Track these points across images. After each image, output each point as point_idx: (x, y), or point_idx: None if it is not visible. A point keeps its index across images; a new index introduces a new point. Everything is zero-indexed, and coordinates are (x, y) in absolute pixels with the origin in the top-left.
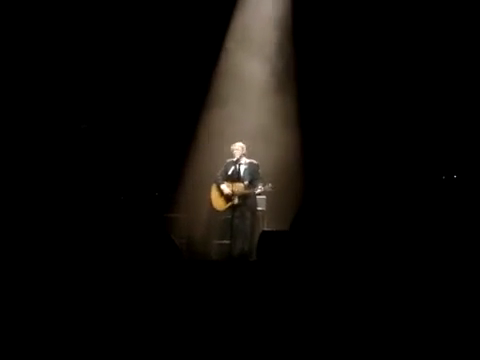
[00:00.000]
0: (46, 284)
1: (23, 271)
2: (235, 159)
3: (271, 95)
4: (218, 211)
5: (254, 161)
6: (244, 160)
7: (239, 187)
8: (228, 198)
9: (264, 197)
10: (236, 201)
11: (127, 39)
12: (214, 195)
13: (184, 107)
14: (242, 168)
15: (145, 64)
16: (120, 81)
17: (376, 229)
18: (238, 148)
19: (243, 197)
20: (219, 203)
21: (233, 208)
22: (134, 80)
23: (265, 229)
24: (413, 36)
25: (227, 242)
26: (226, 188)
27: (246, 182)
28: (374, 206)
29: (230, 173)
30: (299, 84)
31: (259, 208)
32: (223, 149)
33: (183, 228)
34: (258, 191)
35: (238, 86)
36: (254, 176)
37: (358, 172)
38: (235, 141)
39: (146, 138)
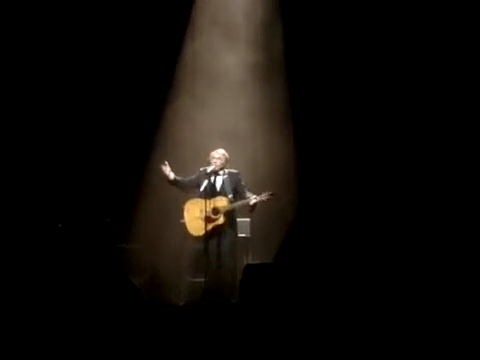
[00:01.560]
0: None
1: None
2: (213, 170)
3: (252, 90)
4: (196, 237)
5: (233, 170)
6: (223, 171)
7: (223, 202)
8: (209, 218)
9: (248, 220)
10: (222, 220)
11: (77, 30)
12: (189, 217)
13: (142, 106)
14: (219, 180)
15: (96, 60)
16: (63, 84)
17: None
18: (221, 157)
19: (228, 216)
20: (197, 226)
21: (210, 234)
22: (80, 79)
23: (250, 263)
24: (404, 36)
25: (202, 280)
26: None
27: (230, 196)
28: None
29: (203, 189)
30: (288, 73)
31: (242, 235)
32: (191, 161)
33: (143, 263)
34: (253, 201)
35: (208, 81)
36: (238, 188)
37: (359, 181)
38: (204, 151)
39: (93, 150)
